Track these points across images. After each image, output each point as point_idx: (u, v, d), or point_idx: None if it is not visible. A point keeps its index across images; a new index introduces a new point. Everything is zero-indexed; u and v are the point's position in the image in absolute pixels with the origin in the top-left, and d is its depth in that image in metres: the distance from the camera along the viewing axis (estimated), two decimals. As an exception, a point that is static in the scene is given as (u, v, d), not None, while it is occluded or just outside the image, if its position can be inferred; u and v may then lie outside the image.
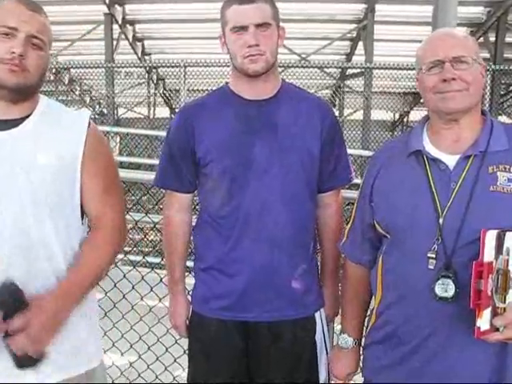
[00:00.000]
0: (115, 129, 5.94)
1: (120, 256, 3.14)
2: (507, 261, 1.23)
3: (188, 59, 5.71)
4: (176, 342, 2.34)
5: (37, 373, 1.33)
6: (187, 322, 1.78)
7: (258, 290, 1.63)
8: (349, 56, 10.20)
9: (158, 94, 10.44)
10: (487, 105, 5.33)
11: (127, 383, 2.60)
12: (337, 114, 9.97)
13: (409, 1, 8.13)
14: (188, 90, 6.08)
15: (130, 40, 9.57)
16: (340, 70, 9.88)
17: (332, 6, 8.58)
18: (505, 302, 1.23)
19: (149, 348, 2.57)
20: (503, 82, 8.19)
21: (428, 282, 1.30)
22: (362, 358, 1.58)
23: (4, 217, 1.29)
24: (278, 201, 1.62)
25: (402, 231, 1.38)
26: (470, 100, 1.35)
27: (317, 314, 1.71)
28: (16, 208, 1.31)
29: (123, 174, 2.25)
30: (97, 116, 9.07)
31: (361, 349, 1.63)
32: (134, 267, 2.61)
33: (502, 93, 8.30)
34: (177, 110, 8.65)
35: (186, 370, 1.80)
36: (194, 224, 1.80)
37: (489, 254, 1.21)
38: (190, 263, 1.87)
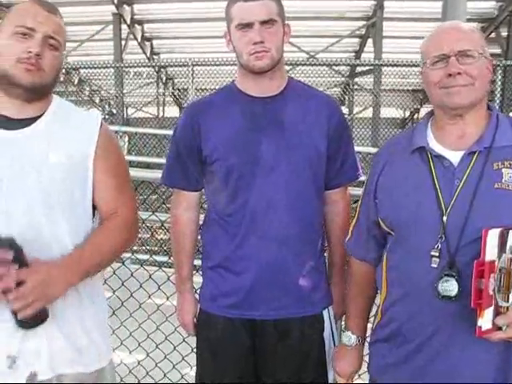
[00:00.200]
0: (124, 128, 5.96)
1: (128, 255, 3.16)
2: (510, 260, 1.21)
3: (196, 58, 5.71)
4: (184, 340, 2.35)
5: (28, 371, 1.33)
6: (195, 320, 1.78)
7: (265, 288, 1.62)
8: (358, 53, 10.17)
9: (168, 94, 10.48)
10: (498, 101, 5.27)
11: (135, 382, 2.61)
12: (346, 111, 9.95)
13: (418, -3, 8.09)
14: (196, 89, 6.08)
15: (139, 40, 9.62)
16: (349, 67, 9.84)
17: (341, 3, 8.56)
18: (508, 301, 1.21)
19: (157, 346, 2.57)
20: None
21: (431, 280, 1.29)
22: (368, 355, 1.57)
23: (14, 215, 1.30)
24: (284, 198, 1.61)
25: (406, 228, 1.36)
26: (476, 95, 1.33)
27: (325, 312, 1.70)
28: (26, 206, 1.32)
29: (131, 172, 2.26)
30: (106, 116, 9.11)
31: (365, 346, 1.62)
32: (142, 266, 2.62)
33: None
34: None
35: (194, 368, 1.80)
36: (201, 222, 1.80)
37: (491, 252, 1.19)
38: (197, 261, 1.87)
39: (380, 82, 7.96)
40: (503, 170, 1.30)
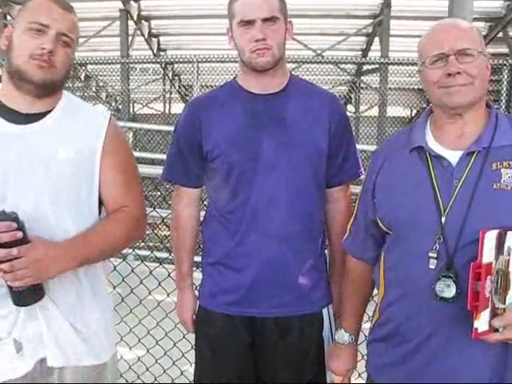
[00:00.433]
0: (128, 124, 5.97)
1: (129, 251, 3.16)
2: (508, 261, 1.20)
3: (201, 55, 5.69)
4: (184, 336, 2.35)
5: (38, 356, 1.36)
6: (194, 316, 1.78)
7: (265, 285, 1.62)
8: (365, 52, 10.12)
9: (174, 90, 10.47)
10: (504, 100, 5.24)
11: (135, 377, 2.61)
12: (353, 110, 9.91)
13: (425, -5, 8.03)
14: (201, 85, 6.08)
15: (146, 36, 9.60)
16: (356, 65, 9.81)
17: (347, 1, 8.51)
18: (505, 303, 1.21)
19: (157, 342, 2.58)
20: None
21: (429, 281, 1.28)
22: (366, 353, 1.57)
23: (21, 209, 1.30)
24: (285, 195, 1.61)
25: (404, 228, 1.36)
26: (475, 94, 1.31)
27: (324, 311, 1.70)
28: (33, 201, 1.34)
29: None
30: (112, 112, 9.11)
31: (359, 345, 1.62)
32: (142, 262, 2.62)
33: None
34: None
35: (194, 364, 1.80)
36: (202, 219, 1.79)
37: (488, 254, 1.18)
38: (197, 258, 1.87)
39: (386, 81, 7.92)
40: (502, 170, 1.29)
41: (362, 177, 1.76)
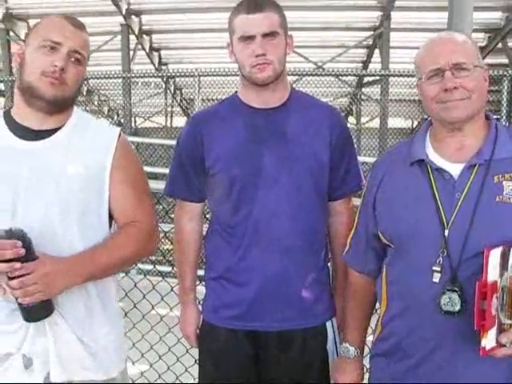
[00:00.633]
0: (130, 138, 5.98)
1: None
2: None
3: (202, 69, 5.73)
4: (187, 351, 2.34)
5: (46, 371, 1.36)
6: (198, 331, 1.77)
7: (268, 299, 1.62)
8: (365, 64, 10.17)
9: (176, 104, 10.51)
10: (505, 110, 5.25)
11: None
12: (354, 122, 9.93)
13: (424, 8, 8.08)
14: (202, 99, 6.10)
15: (147, 50, 9.67)
16: (356, 77, 9.85)
17: (348, 13, 8.57)
18: (511, 319, 1.20)
19: (160, 357, 2.57)
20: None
21: (433, 295, 1.28)
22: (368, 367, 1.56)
23: (31, 224, 1.32)
24: (287, 210, 1.61)
25: (406, 242, 1.35)
26: (474, 107, 1.32)
27: (328, 324, 1.69)
28: (43, 216, 1.35)
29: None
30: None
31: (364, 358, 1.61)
32: (145, 276, 2.62)
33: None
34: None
35: (197, 379, 1.79)
36: (204, 233, 1.79)
37: (493, 273, 1.18)
38: (200, 272, 1.86)
39: (387, 92, 7.94)
40: (504, 182, 1.29)
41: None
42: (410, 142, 1.45)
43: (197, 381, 1.80)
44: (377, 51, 9.17)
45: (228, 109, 1.70)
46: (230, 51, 1.66)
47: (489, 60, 8.68)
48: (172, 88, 10.41)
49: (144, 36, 9.45)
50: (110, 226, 1.48)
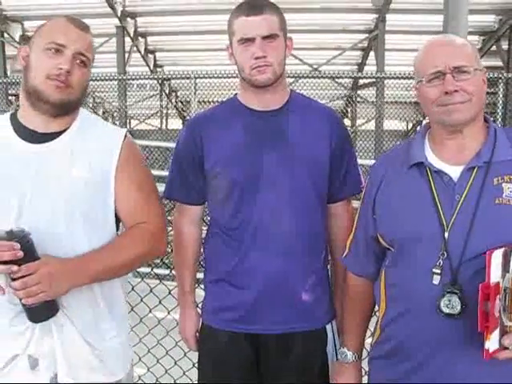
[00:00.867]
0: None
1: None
2: None
3: (199, 71, 5.73)
4: (185, 354, 2.33)
5: (52, 372, 1.36)
6: (197, 334, 1.76)
7: (268, 302, 1.61)
8: (360, 66, 10.20)
9: (171, 106, 10.50)
10: (500, 113, 5.28)
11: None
12: (349, 124, 9.95)
13: (419, 10, 8.11)
14: (199, 101, 6.10)
15: (142, 52, 9.66)
16: (352, 80, 9.87)
17: (343, 16, 8.59)
18: None
19: (158, 361, 2.56)
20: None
21: (433, 298, 1.27)
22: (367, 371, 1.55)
23: (36, 227, 1.31)
24: (287, 212, 1.61)
25: (406, 245, 1.35)
26: (474, 110, 1.32)
27: (328, 326, 1.69)
28: (48, 219, 1.35)
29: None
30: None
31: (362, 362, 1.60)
32: (143, 279, 2.60)
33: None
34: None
35: (195, 382, 1.78)
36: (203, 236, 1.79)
37: (495, 274, 1.17)
38: (199, 275, 1.85)
39: (383, 95, 7.96)
40: (503, 184, 1.29)
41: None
42: (408, 145, 1.45)
43: (195, 384, 1.79)
44: (372, 53, 9.19)
45: (227, 111, 1.70)
46: (230, 53, 1.65)
47: (483, 62, 8.67)
48: (167, 90, 10.40)
49: (139, 38, 9.44)
50: (118, 229, 1.47)
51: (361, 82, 9.76)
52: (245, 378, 1.66)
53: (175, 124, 10.87)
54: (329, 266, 1.77)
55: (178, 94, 10.98)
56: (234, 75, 5.54)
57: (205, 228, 1.82)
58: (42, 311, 1.30)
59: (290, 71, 6.37)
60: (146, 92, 9.97)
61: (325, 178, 1.66)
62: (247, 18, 1.56)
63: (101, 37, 8.86)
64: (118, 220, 1.47)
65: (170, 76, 7.89)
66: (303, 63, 8.60)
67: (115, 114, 9.57)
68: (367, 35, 8.96)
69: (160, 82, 9.48)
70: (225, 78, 5.92)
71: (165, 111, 10.41)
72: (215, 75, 5.57)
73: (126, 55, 9.06)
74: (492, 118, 1.44)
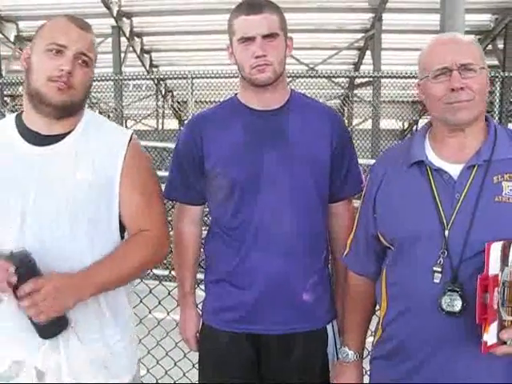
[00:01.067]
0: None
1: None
2: None
3: (195, 71, 5.72)
4: (185, 355, 2.33)
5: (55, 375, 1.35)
6: (197, 335, 1.76)
7: (269, 302, 1.61)
8: (357, 65, 10.23)
9: (167, 106, 10.49)
10: (497, 112, 5.30)
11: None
12: (346, 123, 9.95)
13: (416, 9, 8.14)
14: (196, 101, 6.09)
15: (138, 52, 9.65)
16: (348, 79, 9.88)
17: (339, 15, 8.61)
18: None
19: (157, 362, 2.56)
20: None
21: (434, 296, 1.28)
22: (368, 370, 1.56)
23: (39, 229, 1.31)
24: (288, 212, 1.60)
25: (407, 244, 1.35)
26: (478, 109, 1.32)
27: (328, 326, 1.69)
28: (51, 221, 1.34)
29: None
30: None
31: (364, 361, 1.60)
32: (142, 280, 2.59)
33: (511, 100, 8.24)
34: (185, 122, 8.68)
35: (195, 383, 1.77)
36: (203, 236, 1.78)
37: (494, 266, 1.18)
38: (198, 275, 1.85)
39: (379, 94, 7.98)
40: (503, 183, 1.29)
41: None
42: (408, 144, 1.45)
43: (195, 385, 1.79)
44: (368, 53, 9.21)
45: (227, 111, 1.69)
46: (230, 53, 1.65)
47: (479, 61, 8.73)
48: (163, 90, 10.39)
49: (135, 38, 9.43)
50: (123, 232, 1.46)
51: (357, 81, 9.78)
52: (245, 378, 1.65)
53: (171, 124, 10.86)
54: (329, 266, 1.77)
55: (174, 94, 10.98)
56: (231, 75, 5.54)
57: (205, 229, 1.81)
58: (51, 327, 1.30)
59: (286, 71, 6.36)
60: (142, 92, 9.96)
61: (326, 178, 1.65)
62: (247, 17, 1.55)
63: (96, 37, 8.82)
64: (122, 227, 1.45)
65: (167, 76, 7.87)
66: (300, 63, 8.61)
67: (111, 115, 9.54)
68: (363, 34, 8.98)
69: (156, 82, 9.46)
70: (221, 77, 5.91)
71: (161, 111, 10.39)
72: (212, 75, 5.57)
73: (122, 55, 9.05)
74: (489, 117, 1.44)
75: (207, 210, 1.77)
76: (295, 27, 7.95)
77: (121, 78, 7.41)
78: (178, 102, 10.48)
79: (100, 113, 10.75)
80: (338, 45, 9.28)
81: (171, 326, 2.23)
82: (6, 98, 8.97)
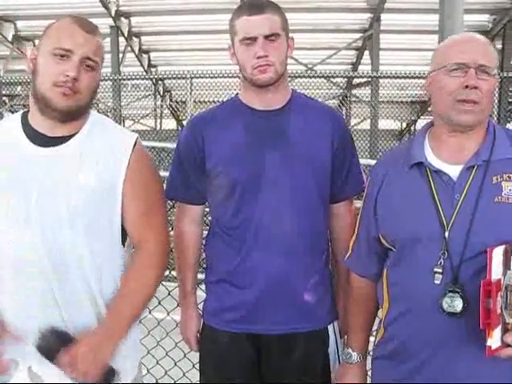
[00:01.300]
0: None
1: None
2: None
3: (194, 71, 5.72)
4: (185, 355, 2.33)
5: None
6: (198, 335, 1.76)
7: (270, 302, 1.61)
8: (355, 65, 10.23)
9: (165, 106, 10.49)
10: (495, 112, 5.31)
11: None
12: (344, 123, 9.94)
13: (414, 10, 8.14)
14: (194, 101, 6.09)
15: (136, 52, 9.64)
16: (346, 79, 9.89)
17: (337, 15, 8.61)
18: None
19: (157, 362, 2.55)
20: (511, 89, 8.15)
21: (435, 297, 1.28)
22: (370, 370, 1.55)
23: (41, 229, 1.31)
24: (288, 212, 1.60)
25: (407, 245, 1.35)
26: (483, 114, 1.33)
27: (330, 327, 1.69)
28: (53, 222, 1.33)
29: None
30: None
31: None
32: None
33: (510, 100, 8.25)
34: (184, 122, 8.68)
35: (195, 383, 1.77)
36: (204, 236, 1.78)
37: (496, 271, 1.18)
38: (199, 276, 1.85)
39: (377, 94, 7.98)
40: (502, 183, 1.30)
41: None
42: (408, 146, 1.45)
43: (195, 385, 1.79)
44: (366, 53, 9.22)
45: (229, 111, 1.69)
46: (232, 53, 1.65)
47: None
48: (161, 90, 10.38)
49: (133, 38, 9.42)
50: (125, 235, 1.46)
51: (355, 81, 9.79)
52: (246, 378, 1.65)
53: (170, 124, 10.85)
54: (330, 266, 1.77)
55: (173, 94, 10.97)
56: (230, 75, 5.54)
57: (205, 229, 1.81)
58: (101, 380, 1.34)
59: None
60: (140, 92, 9.95)
61: (327, 178, 1.65)
62: (249, 18, 1.56)
63: (95, 37, 8.85)
64: (125, 230, 1.45)
65: (166, 76, 7.87)
66: (298, 63, 8.61)
67: (109, 115, 9.54)
68: (362, 34, 8.99)
69: (154, 82, 9.45)
70: (220, 77, 5.92)
71: (159, 111, 10.38)
72: (211, 75, 5.57)
73: (120, 55, 9.05)
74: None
75: (208, 209, 1.77)
76: (293, 27, 7.92)
77: (119, 77, 7.40)
78: (177, 102, 10.47)
79: (98, 112, 10.76)
80: (336, 45, 9.28)
81: (171, 326, 2.22)
82: (4, 98, 8.95)
